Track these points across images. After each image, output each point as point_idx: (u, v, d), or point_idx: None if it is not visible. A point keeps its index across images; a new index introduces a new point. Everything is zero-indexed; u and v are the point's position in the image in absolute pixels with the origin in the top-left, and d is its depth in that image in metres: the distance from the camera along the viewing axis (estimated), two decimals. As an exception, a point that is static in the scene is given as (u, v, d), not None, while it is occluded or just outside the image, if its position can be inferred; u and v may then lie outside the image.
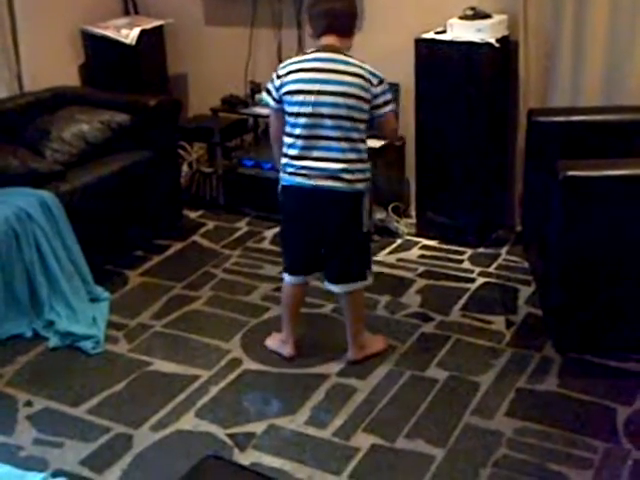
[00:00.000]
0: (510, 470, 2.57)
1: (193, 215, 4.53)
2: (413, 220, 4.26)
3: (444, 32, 3.86)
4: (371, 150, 3.98)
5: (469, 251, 4.02)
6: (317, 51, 2.94)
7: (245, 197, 4.55)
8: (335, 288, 3.10)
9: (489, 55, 3.76)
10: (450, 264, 3.91)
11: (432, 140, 3.99)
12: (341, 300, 3.16)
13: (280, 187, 3.05)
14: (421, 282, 3.75)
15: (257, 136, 4.72)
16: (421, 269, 3.86)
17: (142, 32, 4.47)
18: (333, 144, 2.89)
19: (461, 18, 3.81)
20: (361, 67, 2.90)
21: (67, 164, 3.82)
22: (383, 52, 4.16)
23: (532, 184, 3.61)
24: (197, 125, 4.63)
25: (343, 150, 2.90)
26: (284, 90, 2.92)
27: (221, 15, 4.68)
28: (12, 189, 3.56)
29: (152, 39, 4.59)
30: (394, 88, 4.13)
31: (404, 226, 4.25)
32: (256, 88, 4.48)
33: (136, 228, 4.10)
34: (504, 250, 4.02)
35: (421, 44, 3.86)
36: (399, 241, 4.16)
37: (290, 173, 2.96)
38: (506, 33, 3.87)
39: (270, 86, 2.99)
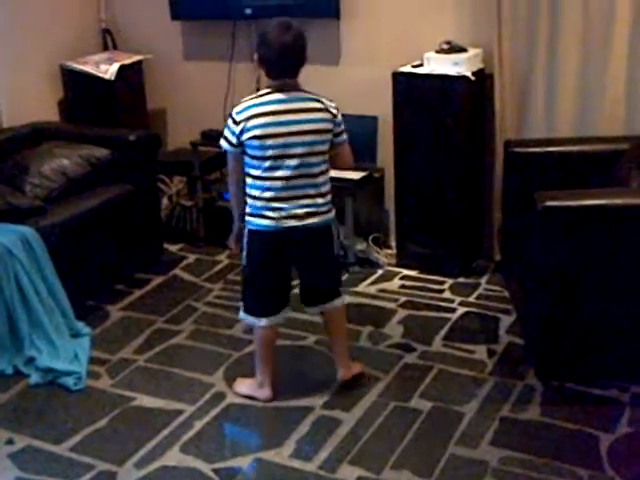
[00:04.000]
0: (496, 500, 2.58)
1: (173, 248, 4.53)
2: (393, 251, 4.30)
3: (421, 65, 3.93)
4: (351, 182, 4.07)
5: (449, 281, 4.05)
6: (277, 91, 2.88)
7: (225, 230, 4.52)
8: (318, 309, 3.15)
9: (465, 88, 3.82)
10: (431, 294, 3.94)
11: (411, 171, 4.04)
12: (328, 321, 3.18)
13: (248, 232, 2.98)
14: (402, 312, 3.77)
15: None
16: (402, 299, 3.89)
17: (121, 67, 4.50)
18: (311, 181, 2.91)
19: (438, 52, 3.88)
20: (322, 101, 2.94)
21: (47, 199, 3.81)
22: (361, 85, 4.23)
23: (510, 214, 3.66)
24: (177, 159, 4.65)
25: (321, 184, 2.94)
26: (248, 135, 2.84)
27: (200, 50, 4.72)
28: (-8, 225, 3.55)
29: (131, 74, 4.62)
30: (372, 121, 4.21)
31: (384, 257, 4.27)
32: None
33: (117, 262, 4.09)
34: (484, 279, 4.06)
35: (399, 77, 3.92)
36: (380, 272, 4.18)
37: (267, 217, 2.90)
38: (481, 66, 3.94)
39: (227, 133, 2.92)
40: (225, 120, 4.49)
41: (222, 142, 2.98)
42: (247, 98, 2.93)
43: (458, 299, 3.87)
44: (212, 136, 4.46)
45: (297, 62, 2.88)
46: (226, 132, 2.95)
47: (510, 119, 3.95)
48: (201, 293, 4.02)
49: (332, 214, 3.03)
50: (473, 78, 3.82)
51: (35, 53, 4.47)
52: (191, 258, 4.42)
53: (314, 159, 2.90)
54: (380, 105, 4.10)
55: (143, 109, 4.76)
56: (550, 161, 3.58)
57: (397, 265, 4.22)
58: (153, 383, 3.28)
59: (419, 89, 3.88)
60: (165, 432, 2.97)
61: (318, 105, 2.92)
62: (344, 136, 3.02)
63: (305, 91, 2.94)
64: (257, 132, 2.84)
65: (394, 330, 3.61)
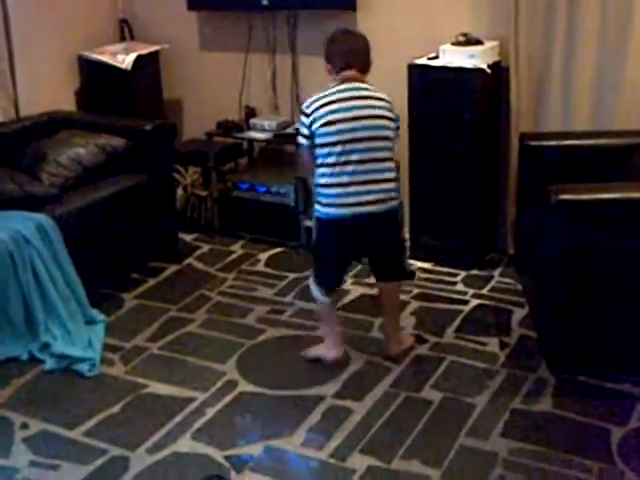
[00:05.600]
0: (506, 491, 2.59)
1: (188, 238, 4.55)
2: (407, 243, 4.29)
3: (437, 58, 3.92)
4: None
5: (462, 273, 4.05)
6: (340, 83, 3.07)
7: (240, 220, 4.59)
8: (388, 285, 3.28)
9: (481, 80, 3.81)
10: (444, 286, 3.94)
11: (425, 164, 4.04)
12: (384, 298, 3.32)
13: (319, 219, 3.12)
14: (415, 304, 3.77)
15: (252, 160, 4.77)
16: (415, 291, 3.89)
17: (138, 57, 4.52)
18: (378, 166, 3.03)
19: (453, 44, 3.87)
20: (381, 92, 3.12)
21: (63, 188, 3.84)
22: (376, 77, 4.18)
23: (524, 207, 3.65)
24: (192, 149, 4.67)
25: (389, 169, 3.08)
26: (318, 124, 3.01)
27: (216, 40, 4.74)
28: (9, 213, 3.58)
29: (148, 64, 4.64)
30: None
31: (398, 249, 4.27)
32: (251, 113, 4.53)
33: (131, 251, 4.12)
34: (497, 272, 4.06)
35: (414, 69, 3.92)
36: (393, 264, 4.18)
37: (338, 205, 3.02)
38: (497, 59, 3.93)
39: (301, 127, 3.11)
40: (240, 111, 4.59)
41: (299, 139, 3.15)
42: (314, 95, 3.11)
43: (471, 291, 3.87)
44: (228, 127, 4.49)
45: (360, 61, 3.10)
46: (300, 128, 3.13)
47: (526, 112, 3.94)
48: (215, 282, 4.05)
49: (398, 201, 3.14)
50: (489, 71, 3.81)
51: (53, 43, 4.50)
52: (205, 248, 4.45)
53: (379, 144, 3.03)
54: (395, 97, 4.05)
55: (159, 99, 4.78)
56: (565, 154, 3.57)
57: (411, 257, 4.21)
58: (166, 370, 3.30)
59: (435, 81, 3.87)
60: (177, 419, 2.99)
61: (379, 94, 3.10)
62: (396, 133, 3.16)
63: (367, 84, 3.11)
64: (325, 119, 3.00)
65: (407, 321, 3.62)
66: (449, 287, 3.93)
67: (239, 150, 4.72)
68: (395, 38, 4.19)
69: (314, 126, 3.02)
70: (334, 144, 2.99)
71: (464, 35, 3.87)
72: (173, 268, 4.21)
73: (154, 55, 4.69)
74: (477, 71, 3.78)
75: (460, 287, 3.93)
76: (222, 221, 4.59)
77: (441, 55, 3.89)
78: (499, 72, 3.95)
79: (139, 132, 4.16)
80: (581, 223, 2.96)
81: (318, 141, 3.03)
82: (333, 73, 3.12)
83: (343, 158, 3.00)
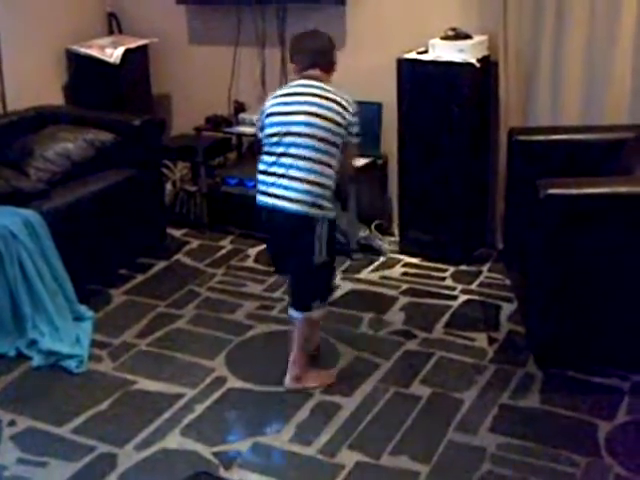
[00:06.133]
0: (494, 486, 2.59)
1: (177, 234, 4.53)
2: (396, 238, 4.30)
3: (426, 52, 3.91)
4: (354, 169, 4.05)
5: (451, 269, 4.05)
6: (299, 80, 3.08)
7: (229, 215, 4.57)
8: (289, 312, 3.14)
9: (470, 75, 3.81)
10: (433, 281, 3.94)
11: (414, 158, 4.03)
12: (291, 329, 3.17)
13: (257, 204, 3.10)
14: (404, 299, 3.77)
15: (241, 155, 4.75)
16: (404, 286, 3.89)
17: (126, 51, 4.50)
18: (301, 163, 2.92)
19: (443, 38, 3.87)
20: (340, 95, 3.01)
21: (51, 183, 3.82)
22: (366, 72, 4.22)
23: (513, 202, 3.65)
24: (181, 144, 4.65)
25: (318, 173, 2.93)
26: (264, 115, 3.06)
27: (205, 34, 4.71)
28: (-4, 208, 3.56)
29: (136, 58, 4.61)
30: (377, 107, 4.20)
31: (387, 244, 4.27)
32: (240, 107, 4.51)
33: (120, 247, 4.10)
34: (486, 267, 4.06)
35: (403, 64, 3.91)
36: (382, 259, 4.19)
37: (261, 192, 3.03)
38: (486, 53, 3.93)
39: (257, 121, 3.17)
40: (229, 106, 4.57)
41: (256, 131, 3.21)
42: None
43: (460, 287, 3.88)
44: (216, 121, 4.47)
45: (323, 61, 3.07)
46: (257, 122, 3.18)
47: (515, 106, 3.94)
48: (204, 278, 4.04)
49: (318, 212, 2.93)
50: (478, 65, 3.80)
51: (40, 37, 4.47)
52: (194, 243, 4.43)
53: (315, 143, 2.92)
54: (385, 91, 4.08)
55: (148, 93, 4.76)
56: (554, 149, 3.56)
57: (399, 252, 4.22)
58: (154, 367, 3.29)
59: (424, 76, 3.87)
60: (166, 415, 2.99)
61: (332, 96, 2.99)
62: (352, 139, 3.04)
63: (326, 84, 3.04)
64: (270, 110, 3.04)
65: (395, 317, 3.62)
66: (438, 282, 3.93)
67: (228, 145, 4.70)
68: (384, 32, 4.19)
69: (262, 117, 3.07)
70: (272, 135, 3.00)
71: (453, 29, 3.86)
72: (162, 264, 4.19)
73: (142, 49, 4.66)
74: (466, 65, 3.78)
75: (449, 282, 3.93)
76: (211, 216, 4.57)
77: (430, 49, 3.89)
78: (488, 66, 3.95)
79: (127, 127, 4.14)
80: (569, 218, 2.96)
81: (265, 132, 3.05)
82: (297, 72, 3.13)
83: (274, 149, 2.98)
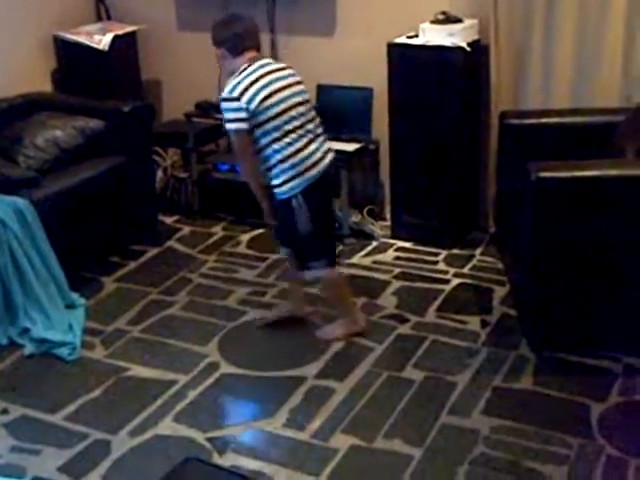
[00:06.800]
0: (487, 468, 2.60)
1: (168, 220, 4.52)
2: (388, 222, 4.29)
3: (416, 36, 3.90)
4: (346, 154, 4.06)
5: (444, 252, 4.05)
6: (250, 63, 3.06)
7: (220, 202, 4.56)
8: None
9: (461, 59, 3.80)
10: (425, 265, 3.94)
11: (405, 143, 4.03)
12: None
13: (299, 192, 3.06)
14: (397, 284, 3.78)
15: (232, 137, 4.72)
16: (396, 271, 3.89)
17: (115, 38, 4.46)
18: (314, 124, 3.13)
19: (433, 22, 3.85)
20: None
21: (40, 170, 3.79)
22: (356, 57, 4.21)
23: (505, 185, 3.65)
24: (171, 130, 4.63)
25: (319, 126, 3.18)
26: (256, 102, 2.97)
27: (194, 20, 4.68)
28: (-15, 196, 3.54)
29: (125, 45, 4.58)
30: (368, 92, 4.19)
31: (379, 228, 4.27)
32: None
33: (111, 234, 4.09)
34: (478, 251, 4.06)
35: (393, 48, 3.89)
36: (374, 243, 4.18)
37: (306, 169, 3.05)
38: (477, 37, 3.91)
39: (233, 114, 3.00)
40: (219, 92, 4.54)
41: (231, 126, 3.04)
42: (229, 81, 3.07)
43: (452, 270, 3.88)
44: (206, 107, 4.45)
45: (257, 40, 3.16)
46: (230, 114, 3.02)
47: (506, 90, 3.93)
48: (196, 265, 4.03)
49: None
50: (469, 49, 3.79)
51: (28, 23, 4.43)
52: (186, 230, 4.42)
53: (308, 106, 3.14)
54: (375, 76, 4.07)
55: (137, 80, 4.73)
56: (545, 132, 3.56)
57: (392, 237, 4.22)
58: (147, 353, 3.29)
59: (414, 60, 3.86)
60: (159, 402, 2.99)
61: (284, 65, 3.19)
62: None
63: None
64: (263, 93, 3.00)
65: (388, 301, 3.62)
66: (430, 266, 3.93)
67: (219, 131, 4.67)
68: (374, 17, 4.17)
69: (252, 106, 2.97)
70: (279, 114, 3.01)
71: (443, 13, 3.85)
72: (153, 251, 4.18)
73: (131, 35, 4.63)
74: (457, 49, 3.77)
75: (441, 266, 3.93)
76: (202, 203, 4.56)
77: (421, 34, 3.87)
78: (479, 50, 3.94)
79: (117, 113, 4.12)
80: (560, 201, 2.97)
81: (261, 118, 2.99)
82: (228, 57, 3.10)
83: (290, 126, 3.03)
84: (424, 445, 2.71)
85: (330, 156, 3.18)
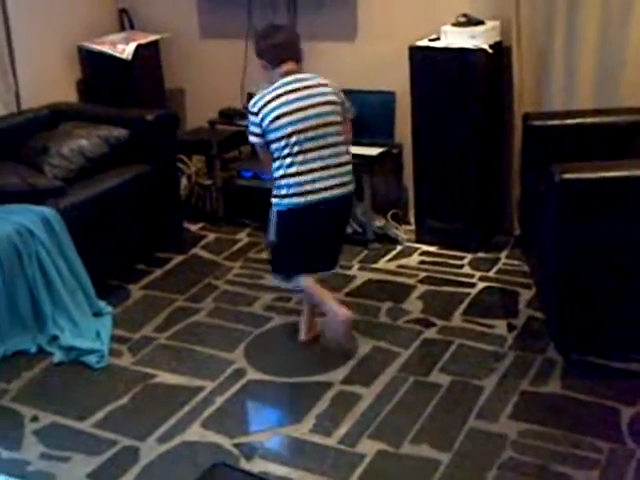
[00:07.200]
0: (515, 472, 2.58)
1: (193, 228, 4.55)
2: (412, 227, 4.29)
3: (438, 39, 3.89)
4: (369, 158, 4.06)
5: (469, 256, 4.03)
6: (283, 77, 3.12)
7: (245, 208, 4.58)
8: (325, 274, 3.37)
9: (483, 61, 3.79)
10: (450, 269, 3.93)
11: (429, 146, 4.02)
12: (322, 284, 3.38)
13: (280, 212, 3.13)
14: (422, 288, 3.77)
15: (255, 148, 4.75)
16: (422, 275, 3.88)
17: (138, 47, 4.50)
18: (333, 150, 3.10)
19: (454, 25, 3.85)
20: (323, 79, 3.17)
21: (66, 180, 3.84)
22: (378, 60, 4.21)
23: (529, 187, 3.63)
24: (195, 138, 4.66)
25: (343, 154, 3.15)
26: (267, 120, 3.06)
27: (216, 28, 4.71)
28: (12, 206, 3.58)
29: (148, 54, 4.62)
30: (390, 96, 4.19)
31: (403, 233, 4.27)
32: (253, 100, 4.51)
33: (137, 242, 4.12)
34: (504, 254, 4.04)
35: (415, 51, 3.89)
36: (399, 248, 4.18)
37: (302, 193, 3.05)
38: (499, 39, 3.90)
39: (251, 127, 3.13)
40: (242, 99, 4.57)
41: (250, 137, 3.17)
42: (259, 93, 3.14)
43: (478, 274, 3.86)
44: (230, 115, 4.48)
45: (296, 52, 3.19)
46: (250, 127, 3.15)
47: (528, 91, 3.91)
48: (221, 271, 4.05)
49: (353, 185, 3.21)
50: (491, 51, 3.78)
51: (53, 34, 4.49)
52: (211, 237, 4.44)
53: (330, 129, 3.09)
54: (397, 80, 4.07)
55: (161, 88, 4.77)
56: (569, 133, 3.54)
57: (416, 241, 4.21)
58: (174, 360, 3.31)
59: (436, 63, 3.85)
60: (186, 408, 3.00)
61: (322, 81, 3.16)
62: (348, 114, 3.25)
63: (307, 73, 3.18)
64: (276, 113, 3.05)
65: (413, 305, 3.61)
66: (456, 270, 3.92)
67: (242, 138, 4.69)
68: (395, 20, 4.17)
69: (264, 123, 3.06)
70: (289, 135, 3.04)
71: (465, 16, 3.84)
72: (179, 258, 4.21)
73: (154, 44, 4.66)
74: (479, 51, 3.76)
75: (467, 270, 3.92)
76: (227, 210, 4.58)
77: (442, 36, 3.87)
78: (501, 52, 3.92)
79: (141, 122, 4.15)
80: (584, 202, 2.94)
81: (271, 136, 3.07)
82: (269, 68, 3.16)
83: (298, 148, 3.04)
84: (452, 450, 2.70)
85: (338, 192, 3.10)
